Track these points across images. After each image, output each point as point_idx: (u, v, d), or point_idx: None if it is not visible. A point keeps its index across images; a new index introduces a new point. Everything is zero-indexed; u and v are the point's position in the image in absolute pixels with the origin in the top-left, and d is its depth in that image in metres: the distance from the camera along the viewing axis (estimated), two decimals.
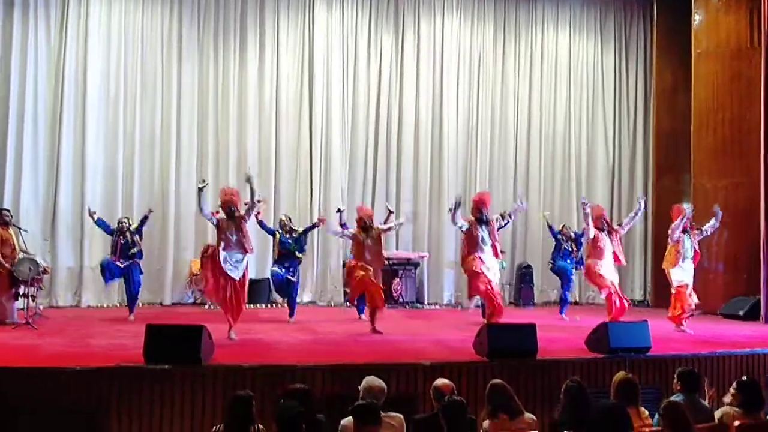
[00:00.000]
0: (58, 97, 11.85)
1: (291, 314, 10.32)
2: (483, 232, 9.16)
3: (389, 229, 10.03)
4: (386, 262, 10.73)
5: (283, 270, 10.37)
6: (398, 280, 12.61)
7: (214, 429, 4.54)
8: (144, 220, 10.32)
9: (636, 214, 10.23)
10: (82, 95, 11.96)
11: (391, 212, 10.79)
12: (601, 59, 14.56)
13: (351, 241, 9.72)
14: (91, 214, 10.21)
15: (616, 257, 9.67)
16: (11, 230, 9.49)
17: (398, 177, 13.45)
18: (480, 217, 9.25)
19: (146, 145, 12.34)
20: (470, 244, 9.22)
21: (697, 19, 12.56)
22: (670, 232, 9.70)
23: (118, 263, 10.06)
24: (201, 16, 12.71)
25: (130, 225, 10.22)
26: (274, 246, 10.81)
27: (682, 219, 9.60)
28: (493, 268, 9.22)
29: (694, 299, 9.60)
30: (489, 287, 9.10)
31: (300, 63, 13.09)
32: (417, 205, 13.49)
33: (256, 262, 12.50)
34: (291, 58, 13.07)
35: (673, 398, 5.28)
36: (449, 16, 13.76)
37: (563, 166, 14.25)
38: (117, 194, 12.05)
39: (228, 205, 8.59)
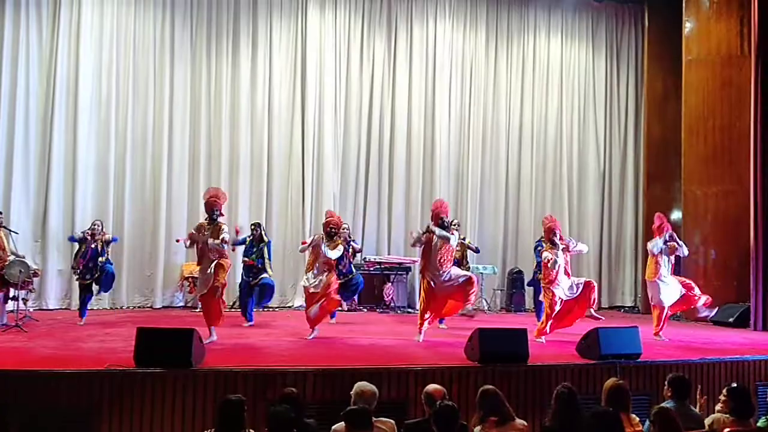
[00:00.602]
0: (50, 98, 11.82)
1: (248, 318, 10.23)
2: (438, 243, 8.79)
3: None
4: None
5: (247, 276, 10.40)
6: (390, 285, 12.63)
7: None
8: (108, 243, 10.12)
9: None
10: (74, 97, 11.93)
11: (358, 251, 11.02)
12: (593, 66, 14.65)
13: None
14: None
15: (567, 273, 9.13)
16: (2, 232, 9.44)
17: (390, 181, 13.48)
18: (441, 224, 8.89)
19: (138, 148, 12.31)
20: (425, 256, 8.95)
21: (688, 26, 12.63)
22: (649, 247, 9.63)
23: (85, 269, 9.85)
24: (193, 19, 12.72)
25: (103, 230, 10.09)
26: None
27: (663, 239, 9.44)
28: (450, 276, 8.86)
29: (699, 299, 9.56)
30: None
31: (293, 67, 13.11)
32: (408, 210, 13.51)
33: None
34: (284, 62, 13.08)
35: (663, 405, 5.30)
36: (442, 22, 13.82)
37: (554, 172, 14.31)
38: (108, 197, 12.02)
39: (210, 207, 8.43)
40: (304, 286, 9.10)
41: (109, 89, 12.17)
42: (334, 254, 8.94)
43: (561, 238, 9.21)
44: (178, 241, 10.14)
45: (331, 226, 9.09)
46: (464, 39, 13.97)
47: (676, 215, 13.09)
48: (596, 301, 9.29)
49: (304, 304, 9.37)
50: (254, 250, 10.37)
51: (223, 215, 8.55)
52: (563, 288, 8.95)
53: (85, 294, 10.01)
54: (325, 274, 8.88)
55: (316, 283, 8.82)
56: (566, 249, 9.13)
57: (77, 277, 10.03)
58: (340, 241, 9.17)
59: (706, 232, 12.19)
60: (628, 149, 14.76)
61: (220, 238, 8.23)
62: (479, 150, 13.94)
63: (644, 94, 14.33)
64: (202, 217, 11.91)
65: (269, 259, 10.50)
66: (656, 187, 13.78)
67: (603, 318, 9.57)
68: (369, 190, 13.40)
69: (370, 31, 13.53)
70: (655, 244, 9.51)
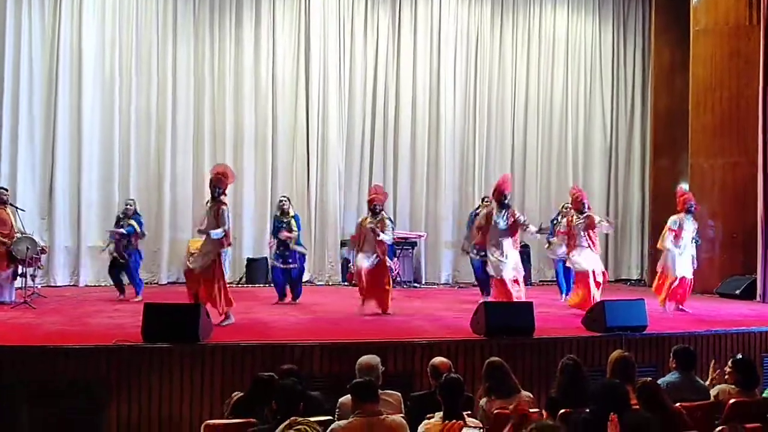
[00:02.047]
0: (54, 75, 11.77)
1: (295, 297, 10.03)
2: (500, 220, 8.75)
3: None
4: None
5: (280, 261, 10.05)
6: (396, 259, 12.60)
7: (234, 394, 4.67)
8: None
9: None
10: (78, 74, 11.87)
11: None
12: (600, 38, 14.52)
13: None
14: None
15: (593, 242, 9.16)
16: (9, 209, 9.47)
17: (395, 156, 13.44)
18: (501, 201, 8.82)
19: (142, 125, 12.29)
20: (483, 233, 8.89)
21: None
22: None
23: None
24: None
25: (135, 209, 10.19)
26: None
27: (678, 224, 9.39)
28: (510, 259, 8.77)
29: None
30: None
31: (296, 41, 13.01)
32: (414, 184, 13.47)
33: (253, 241, 12.53)
34: (287, 36, 12.98)
35: (668, 376, 5.31)
36: None
37: (560, 146, 14.26)
38: (113, 173, 12.02)
39: (213, 183, 7.96)
40: (360, 267, 8.89)
41: (113, 65, 12.11)
42: (386, 237, 8.92)
43: (589, 207, 9.28)
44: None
45: (375, 203, 9.03)
46: (469, 12, 13.83)
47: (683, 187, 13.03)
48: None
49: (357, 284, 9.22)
50: (284, 225, 10.03)
51: (225, 195, 8.10)
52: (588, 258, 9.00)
53: (119, 270, 10.13)
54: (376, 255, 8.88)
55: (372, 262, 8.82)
56: (591, 225, 9.10)
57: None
58: (386, 220, 9.08)
59: (713, 204, 12.12)
60: (634, 121, 14.68)
61: (221, 229, 7.72)
62: (484, 124, 13.86)
63: (651, 66, 14.20)
64: (207, 193, 11.95)
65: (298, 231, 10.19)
66: (663, 160, 13.70)
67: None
68: (374, 165, 13.36)
69: (374, 5, 13.39)
70: (675, 228, 9.41)
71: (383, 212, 9.14)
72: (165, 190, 12.26)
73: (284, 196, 10.61)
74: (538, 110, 14.14)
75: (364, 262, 8.85)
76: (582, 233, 9.05)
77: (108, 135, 12.06)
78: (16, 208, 9.71)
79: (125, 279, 10.27)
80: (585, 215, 9.11)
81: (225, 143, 12.64)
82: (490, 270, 8.89)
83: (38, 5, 11.78)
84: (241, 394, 4.71)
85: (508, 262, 8.71)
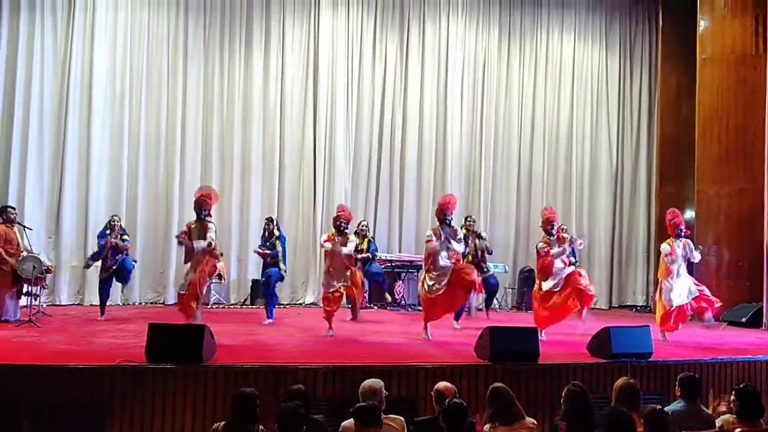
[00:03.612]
0: (64, 96, 11.92)
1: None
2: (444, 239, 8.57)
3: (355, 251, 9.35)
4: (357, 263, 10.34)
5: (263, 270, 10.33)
6: (400, 282, 12.61)
7: (215, 426, 4.55)
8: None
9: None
10: (88, 94, 12.02)
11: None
12: (606, 65, 14.57)
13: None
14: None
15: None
16: (16, 228, 9.52)
17: (402, 179, 13.48)
18: (443, 220, 8.67)
19: (151, 145, 12.39)
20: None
21: (702, 25, 12.53)
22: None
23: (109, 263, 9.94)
24: (207, 17, 12.77)
25: (120, 226, 10.16)
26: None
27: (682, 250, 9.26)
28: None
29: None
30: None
31: (305, 64, 13.14)
32: (420, 208, 13.50)
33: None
34: (296, 60, 13.11)
35: (674, 405, 5.28)
36: (454, 20, 13.80)
37: (566, 171, 14.26)
38: (121, 194, 12.11)
39: (199, 205, 8.18)
40: (327, 292, 8.86)
41: (123, 88, 12.26)
42: (346, 249, 8.85)
43: (558, 231, 9.22)
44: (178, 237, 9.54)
45: (341, 220, 8.98)
46: (477, 38, 13.94)
47: (689, 214, 13.00)
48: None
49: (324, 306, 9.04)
50: (267, 245, 10.32)
51: (211, 216, 8.31)
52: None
53: (104, 289, 10.07)
54: (348, 272, 8.83)
55: (339, 285, 8.76)
56: (565, 241, 9.11)
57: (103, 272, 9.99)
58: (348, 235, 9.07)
59: (719, 232, 12.10)
60: (640, 148, 14.69)
61: (207, 241, 8.03)
62: (491, 148, 13.91)
63: (657, 93, 14.26)
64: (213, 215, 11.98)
65: (284, 255, 10.27)
66: (669, 186, 13.70)
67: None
68: (380, 189, 13.41)
69: (382, 30, 13.53)
70: (668, 252, 9.31)
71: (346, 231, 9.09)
72: (173, 212, 12.32)
73: (269, 218, 10.70)
74: (544, 135, 14.18)
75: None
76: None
77: (117, 156, 12.16)
78: (24, 227, 9.76)
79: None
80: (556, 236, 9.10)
81: (233, 165, 12.73)
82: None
83: (50, 27, 11.96)
84: (223, 422, 4.59)
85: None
